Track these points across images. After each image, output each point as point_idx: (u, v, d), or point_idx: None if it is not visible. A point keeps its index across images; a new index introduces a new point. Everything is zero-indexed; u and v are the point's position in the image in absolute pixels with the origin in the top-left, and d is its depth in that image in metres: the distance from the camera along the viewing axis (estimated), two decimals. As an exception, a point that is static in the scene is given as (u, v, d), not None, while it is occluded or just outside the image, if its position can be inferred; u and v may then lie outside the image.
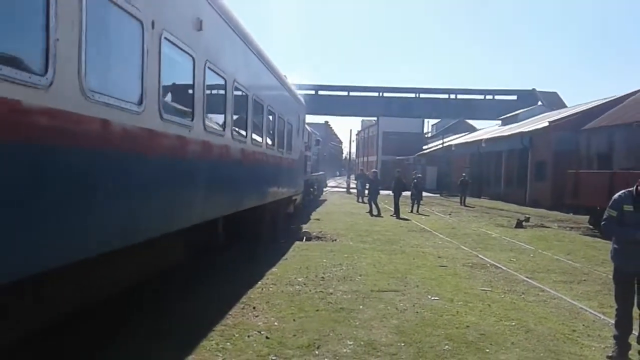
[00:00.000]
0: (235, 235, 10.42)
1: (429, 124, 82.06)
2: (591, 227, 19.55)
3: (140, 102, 5.26)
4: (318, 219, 20.96)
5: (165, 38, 5.76)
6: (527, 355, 5.89)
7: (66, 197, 4.09)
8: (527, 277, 10.38)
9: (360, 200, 33.27)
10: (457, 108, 63.60)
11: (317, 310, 7.40)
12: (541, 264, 12.15)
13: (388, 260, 11.73)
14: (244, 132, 9.76)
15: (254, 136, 10.54)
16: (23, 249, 3.64)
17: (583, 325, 7.23)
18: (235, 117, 9.00)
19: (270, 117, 12.46)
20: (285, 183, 15.20)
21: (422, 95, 63.79)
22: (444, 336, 6.45)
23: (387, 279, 9.74)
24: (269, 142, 12.19)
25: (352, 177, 51.73)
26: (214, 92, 7.98)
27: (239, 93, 9.24)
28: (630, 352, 5.98)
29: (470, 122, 72.43)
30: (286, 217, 16.94)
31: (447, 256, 12.68)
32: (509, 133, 40.38)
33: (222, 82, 8.16)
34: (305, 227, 17.92)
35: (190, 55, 6.67)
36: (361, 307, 7.69)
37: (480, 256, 12.82)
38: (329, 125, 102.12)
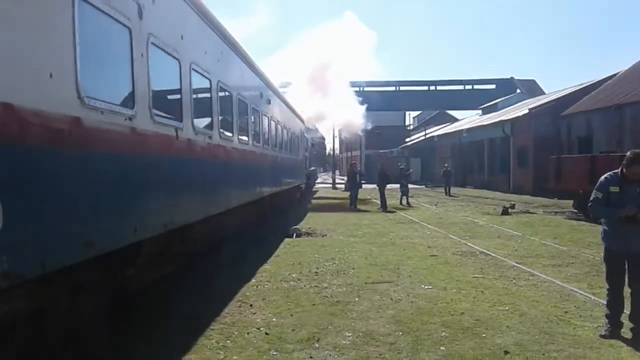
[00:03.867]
0: (271, 205, 17.60)
1: (410, 117, 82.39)
2: (575, 211, 19.82)
3: (265, 144, 14.94)
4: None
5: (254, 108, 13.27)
6: (522, 338, 5.99)
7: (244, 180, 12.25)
8: (516, 263, 10.51)
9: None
10: (437, 99, 63.95)
11: (314, 305, 7.44)
12: (529, 249, 12.31)
13: (379, 253, 11.80)
14: (279, 147, 18.12)
15: (284, 147, 19.19)
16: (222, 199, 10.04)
17: (574, 306, 7.36)
18: (276, 137, 17.32)
19: (289, 135, 21.09)
20: (295, 176, 23.83)
21: (402, 88, 64.08)
22: (440, 323, 6.53)
23: (379, 270, 9.81)
24: (288, 149, 20.80)
25: (337, 172, 51.73)
26: (271, 130, 16.39)
27: (276, 126, 17.42)
28: (622, 330, 6.11)
29: (452, 112, 72.92)
30: (294, 201, 25.72)
31: (437, 246, 12.79)
32: (490, 122, 40.75)
33: (273, 124, 16.67)
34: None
35: (266, 116, 15.15)
36: (357, 299, 7.75)
37: (469, 244, 12.95)
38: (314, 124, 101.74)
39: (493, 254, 11.50)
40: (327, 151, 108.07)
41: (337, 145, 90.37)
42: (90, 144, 4.79)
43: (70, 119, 4.42)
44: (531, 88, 54.62)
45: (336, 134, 70.39)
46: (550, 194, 26.12)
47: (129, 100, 5.68)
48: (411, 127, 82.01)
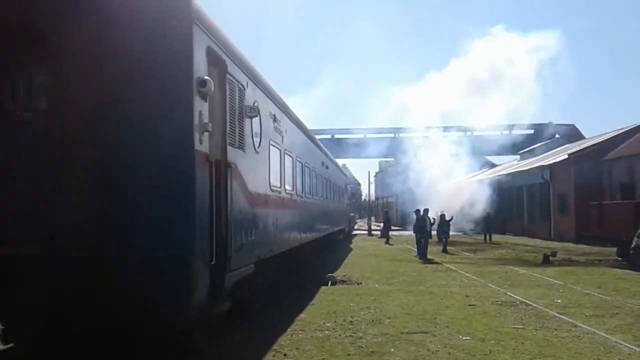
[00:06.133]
0: (326, 241, 23.77)
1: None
2: (620, 258, 19.27)
3: (325, 197, 21.75)
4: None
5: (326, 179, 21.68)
6: (564, 392, 5.83)
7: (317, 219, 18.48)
8: (558, 313, 10.27)
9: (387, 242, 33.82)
10: (473, 144, 63.45)
11: (348, 355, 7.40)
12: (572, 298, 12.02)
13: (415, 302, 11.69)
14: (332, 199, 24.30)
15: (335, 199, 25.76)
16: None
17: (619, 359, 7.14)
18: (331, 192, 23.41)
19: (337, 188, 27.43)
20: (341, 221, 30.93)
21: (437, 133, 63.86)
22: (478, 376, 6.41)
23: (416, 320, 9.71)
24: (337, 200, 27.48)
25: (373, 219, 51.63)
26: (328, 187, 22.13)
27: (330, 184, 23.25)
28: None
29: (488, 157, 72.12)
30: (339, 240, 32.27)
31: (475, 295, 12.60)
32: (529, 167, 40.29)
33: (329, 183, 22.77)
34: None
35: (325, 178, 21.23)
36: (392, 349, 7.67)
37: (508, 293, 12.72)
38: (347, 168, 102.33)
39: (534, 304, 11.25)
40: (363, 197, 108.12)
41: (372, 191, 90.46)
42: (271, 204, 10.13)
43: (266, 195, 9.78)
44: (571, 133, 53.88)
45: (372, 180, 70.36)
46: (592, 241, 25.48)
47: (279, 183, 11.09)
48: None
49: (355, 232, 50.66)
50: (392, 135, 64.14)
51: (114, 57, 5.70)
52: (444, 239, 27.11)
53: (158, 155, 5.70)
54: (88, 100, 5.70)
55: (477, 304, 11.36)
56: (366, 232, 48.87)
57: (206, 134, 6.15)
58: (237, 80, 7.86)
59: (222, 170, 6.85)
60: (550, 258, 20.88)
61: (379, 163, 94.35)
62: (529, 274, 16.78)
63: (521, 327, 9.14)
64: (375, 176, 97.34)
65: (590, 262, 20.32)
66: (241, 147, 7.98)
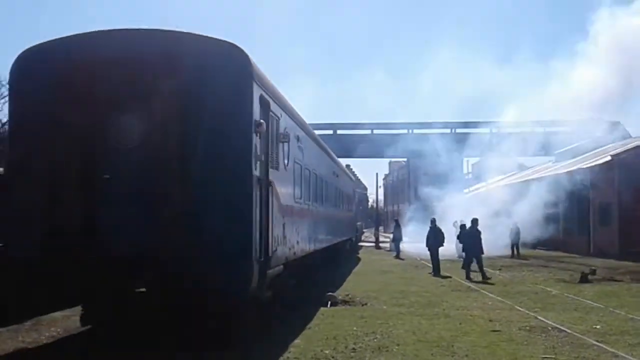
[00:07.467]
0: (338, 250, 26.86)
1: (469, 164, 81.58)
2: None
3: (336, 206, 25.91)
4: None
5: (331, 183, 23.19)
6: None
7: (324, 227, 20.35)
8: (597, 341, 10.27)
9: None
10: (501, 144, 63.24)
11: (350, 388, 7.40)
12: (613, 324, 12.03)
13: (430, 327, 11.70)
14: (342, 207, 28.41)
15: (344, 207, 29.67)
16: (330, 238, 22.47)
17: (668, 396, 7.13)
18: (341, 200, 27.25)
19: (346, 197, 31.25)
20: (349, 229, 34.52)
21: (458, 131, 63.76)
22: (502, 414, 6.40)
23: (429, 348, 9.72)
24: (346, 208, 31.32)
25: (381, 229, 51.54)
26: (338, 196, 25.84)
27: (340, 192, 26.69)
28: None
29: (518, 158, 71.97)
30: (347, 250, 34.21)
31: (500, 319, 12.62)
32: (564, 171, 40.25)
33: (340, 192, 26.54)
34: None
35: (336, 187, 24.80)
36: (401, 382, 7.67)
37: (539, 318, 12.74)
38: (351, 169, 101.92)
39: (568, 330, 11.27)
40: (370, 203, 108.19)
41: (380, 197, 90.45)
42: (295, 214, 13.22)
43: (291, 206, 12.85)
44: (614, 130, 53.73)
45: (380, 183, 70.11)
46: (639, 257, 25.46)
47: (299, 195, 14.00)
48: (470, 176, 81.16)
49: (360, 243, 50.75)
50: (405, 131, 64.06)
51: (194, 108, 8.91)
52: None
53: (228, 180, 8.81)
54: (173, 138, 8.92)
55: (501, 330, 11.38)
56: (372, 244, 48.81)
57: (259, 161, 9.33)
58: (275, 114, 11.03)
59: (266, 188, 10.03)
60: (589, 276, 20.87)
61: (389, 164, 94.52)
62: (563, 294, 16.81)
63: (553, 356, 9.16)
64: (384, 179, 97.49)
65: (635, 282, 20.34)
66: (277, 167, 11.14)
